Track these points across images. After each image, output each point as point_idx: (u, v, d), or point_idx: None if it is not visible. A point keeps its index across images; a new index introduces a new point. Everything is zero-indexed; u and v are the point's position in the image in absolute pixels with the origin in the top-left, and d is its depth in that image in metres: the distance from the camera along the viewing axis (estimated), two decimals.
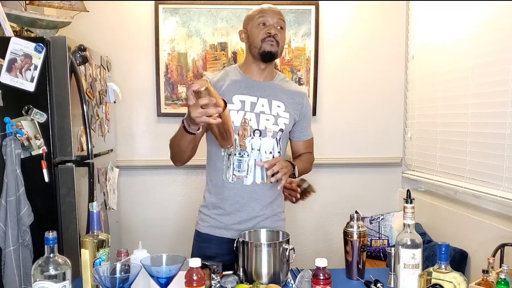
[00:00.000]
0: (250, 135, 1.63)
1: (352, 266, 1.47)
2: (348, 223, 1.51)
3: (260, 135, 1.63)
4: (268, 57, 1.62)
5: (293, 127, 1.74)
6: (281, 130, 1.67)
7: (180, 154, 1.62)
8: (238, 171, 1.64)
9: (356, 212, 1.55)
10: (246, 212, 1.66)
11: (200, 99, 1.30)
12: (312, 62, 3.08)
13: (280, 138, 1.68)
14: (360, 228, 1.48)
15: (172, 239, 3.02)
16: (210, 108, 1.31)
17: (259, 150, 1.64)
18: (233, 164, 1.63)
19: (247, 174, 1.64)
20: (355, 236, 1.47)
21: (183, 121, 1.45)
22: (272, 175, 1.54)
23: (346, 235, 1.49)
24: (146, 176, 3.06)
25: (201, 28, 3.03)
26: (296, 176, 1.70)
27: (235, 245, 1.49)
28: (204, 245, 1.67)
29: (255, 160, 1.63)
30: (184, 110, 2.76)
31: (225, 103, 1.41)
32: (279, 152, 1.68)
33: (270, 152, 1.65)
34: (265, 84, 1.69)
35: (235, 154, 1.63)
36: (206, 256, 1.54)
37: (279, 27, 1.62)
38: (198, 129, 1.44)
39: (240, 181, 1.64)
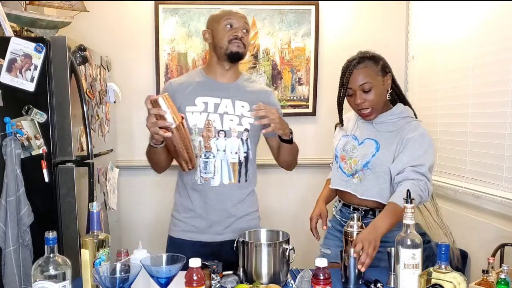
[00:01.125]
0: (215, 136, 1.63)
1: (350, 269, 1.37)
2: (348, 223, 1.50)
3: (225, 136, 1.63)
4: (235, 58, 1.64)
5: (263, 125, 1.69)
6: (246, 130, 1.65)
7: (154, 166, 1.67)
8: (205, 172, 1.64)
9: (357, 210, 1.53)
10: (216, 214, 1.66)
11: (152, 108, 1.36)
12: (312, 62, 3.08)
13: (247, 138, 1.66)
14: (360, 228, 1.46)
15: None
16: (161, 120, 1.36)
17: (224, 150, 1.63)
18: (200, 166, 1.64)
19: (213, 175, 1.63)
20: (355, 236, 1.44)
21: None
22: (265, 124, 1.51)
23: (347, 235, 1.48)
24: (146, 176, 3.06)
25: (201, 28, 3.01)
26: (292, 138, 1.64)
27: (235, 245, 1.49)
28: (177, 250, 1.55)
29: (221, 161, 1.63)
30: None
31: (182, 119, 1.42)
32: (245, 152, 1.66)
33: (236, 153, 1.64)
34: (229, 85, 1.69)
35: (200, 156, 1.64)
36: None
37: (244, 30, 1.65)
38: (162, 142, 1.47)
39: (207, 182, 1.64)
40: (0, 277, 1.92)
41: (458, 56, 2.49)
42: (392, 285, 1.40)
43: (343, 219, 1.72)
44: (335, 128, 1.86)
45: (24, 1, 2.32)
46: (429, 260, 2.25)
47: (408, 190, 1.29)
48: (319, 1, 3.06)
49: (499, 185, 2.13)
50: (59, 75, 2.03)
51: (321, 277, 1.17)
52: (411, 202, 1.26)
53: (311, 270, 1.36)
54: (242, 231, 1.55)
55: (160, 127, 1.38)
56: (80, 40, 2.19)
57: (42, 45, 1.98)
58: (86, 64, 2.19)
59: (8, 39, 1.95)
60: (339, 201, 1.77)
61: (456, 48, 2.51)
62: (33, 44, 1.97)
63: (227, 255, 1.57)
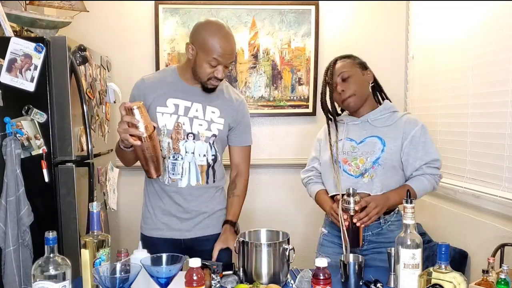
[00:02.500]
0: (184, 138, 1.64)
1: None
2: (344, 199, 1.53)
3: (194, 139, 1.65)
4: (208, 91, 1.64)
5: (229, 132, 1.73)
6: (214, 135, 1.67)
7: (123, 161, 1.69)
8: (173, 174, 1.66)
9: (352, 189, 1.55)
10: (186, 212, 1.68)
11: (125, 116, 1.36)
12: (312, 62, 3.08)
13: (213, 142, 1.68)
14: (358, 204, 1.50)
15: None
16: (132, 128, 1.36)
17: (193, 153, 1.65)
18: (168, 167, 1.65)
19: (181, 177, 1.66)
20: (352, 212, 1.50)
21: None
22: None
23: (344, 211, 1.52)
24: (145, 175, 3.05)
25: None
26: (238, 230, 1.71)
27: (234, 245, 1.49)
28: (150, 247, 1.54)
29: (189, 163, 1.65)
30: None
31: (154, 130, 1.42)
32: (213, 155, 1.68)
33: (204, 155, 1.66)
34: (200, 89, 1.66)
35: (169, 157, 1.65)
36: None
37: (227, 67, 1.61)
38: (131, 147, 1.45)
39: (175, 183, 1.66)
40: (0, 277, 1.92)
41: (458, 56, 2.49)
42: (392, 285, 1.40)
43: None
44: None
45: (24, 1, 2.32)
46: (429, 260, 2.26)
47: (408, 191, 1.31)
48: (319, 1, 3.06)
49: (499, 185, 2.13)
50: (59, 75, 2.02)
51: (321, 277, 1.17)
52: (411, 202, 1.27)
53: (311, 270, 1.36)
54: (212, 227, 1.68)
55: (130, 135, 1.38)
56: (80, 40, 2.18)
57: (42, 45, 1.98)
58: (86, 64, 2.19)
59: (8, 39, 1.95)
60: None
61: (456, 48, 2.51)
62: (33, 44, 1.97)
63: (199, 251, 1.62)
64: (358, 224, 1.48)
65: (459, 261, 2.31)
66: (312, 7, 3.05)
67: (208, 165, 1.68)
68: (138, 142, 1.39)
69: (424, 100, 2.91)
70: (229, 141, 1.77)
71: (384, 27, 3.13)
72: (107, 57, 2.69)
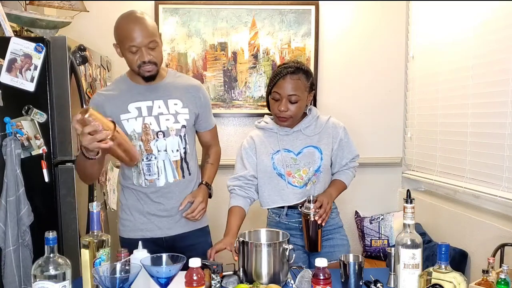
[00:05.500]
0: (154, 138, 1.65)
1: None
2: (304, 205, 1.62)
3: (164, 136, 1.65)
4: (150, 79, 1.63)
5: (196, 120, 1.75)
6: (184, 126, 1.69)
7: (88, 178, 1.65)
8: (149, 175, 1.67)
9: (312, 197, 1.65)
10: (166, 210, 1.70)
11: (84, 128, 1.31)
12: (312, 62, 3.08)
13: (184, 134, 1.69)
14: (318, 208, 1.60)
15: None
16: (97, 134, 1.32)
17: (165, 150, 1.66)
18: (143, 169, 1.66)
19: (158, 176, 1.67)
20: (312, 217, 1.59)
21: (80, 147, 1.43)
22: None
23: (305, 216, 1.61)
24: None
25: (201, 28, 3.03)
26: (212, 194, 1.78)
27: (234, 245, 1.49)
28: (131, 249, 1.53)
29: (163, 161, 1.66)
30: None
31: (114, 124, 1.41)
32: (184, 148, 1.69)
33: (177, 150, 1.68)
34: (156, 86, 1.68)
35: (142, 160, 1.65)
36: None
37: (151, 45, 1.56)
38: (97, 153, 1.43)
39: (153, 184, 1.67)
40: (0, 277, 1.92)
41: (458, 56, 2.49)
42: (392, 285, 1.40)
43: (291, 221, 1.76)
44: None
45: (24, 1, 2.32)
46: (429, 260, 2.26)
47: (408, 190, 1.30)
48: (319, 1, 3.06)
49: (499, 185, 2.13)
50: (59, 75, 2.02)
51: (321, 277, 1.17)
52: (411, 202, 1.27)
53: (311, 270, 1.36)
54: (192, 224, 1.71)
55: (99, 141, 1.35)
56: (80, 40, 2.18)
57: (42, 45, 1.98)
58: (86, 64, 2.19)
59: (8, 39, 1.95)
60: (281, 208, 1.76)
61: (456, 48, 2.51)
62: (33, 44, 1.97)
63: (180, 247, 1.65)
64: (319, 222, 1.58)
65: (459, 261, 2.31)
66: (312, 7, 3.05)
67: (181, 159, 1.70)
68: (110, 143, 1.37)
69: (424, 100, 2.91)
70: (198, 128, 1.79)
71: (384, 27, 3.13)
72: (107, 57, 2.69)
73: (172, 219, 1.71)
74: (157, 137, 1.65)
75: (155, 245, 1.66)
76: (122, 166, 1.73)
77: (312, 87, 1.74)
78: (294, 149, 1.74)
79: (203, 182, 1.76)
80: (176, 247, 1.68)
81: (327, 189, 1.75)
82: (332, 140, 1.77)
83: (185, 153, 1.71)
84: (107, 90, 1.71)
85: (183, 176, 1.70)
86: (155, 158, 1.65)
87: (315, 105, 1.90)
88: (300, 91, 1.66)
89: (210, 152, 1.87)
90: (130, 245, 1.60)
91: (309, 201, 1.62)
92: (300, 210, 1.65)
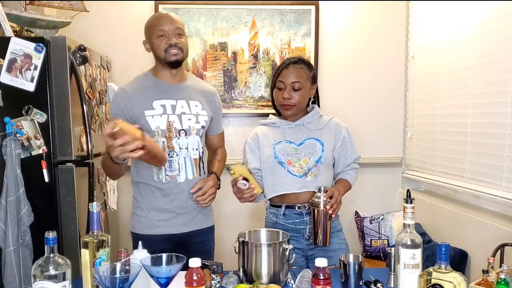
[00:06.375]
0: (176, 136, 1.70)
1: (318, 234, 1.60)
2: (315, 195, 1.63)
3: (185, 135, 1.72)
4: (175, 65, 1.70)
5: (210, 123, 1.84)
6: (203, 127, 1.77)
7: (116, 176, 1.75)
8: (170, 171, 1.71)
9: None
10: (182, 207, 1.74)
11: (115, 141, 1.36)
12: (312, 62, 3.06)
13: (202, 135, 1.78)
14: (329, 198, 1.60)
15: None
16: (128, 145, 1.38)
17: (187, 148, 1.72)
18: (165, 165, 1.69)
19: (179, 172, 1.72)
20: (322, 206, 1.59)
21: (108, 153, 1.49)
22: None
23: (314, 205, 1.61)
24: None
25: (201, 28, 3.03)
26: (220, 185, 1.82)
27: (234, 245, 1.49)
28: (144, 245, 1.61)
29: (184, 158, 1.71)
30: None
31: (142, 132, 1.46)
32: (202, 147, 1.78)
33: (196, 149, 1.75)
34: (180, 86, 1.76)
35: None
36: None
37: (178, 34, 1.68)
38: (125, 159, 1.50)
39: (173, 180, 1.72)
40: (0, 277, 1.93)
41: (458, 56, 2.49)
42: (392, 285, 1.40)
43: (288, 222, 1.75)
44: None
45: (24, 1, 2.33)
46: (429, 260, 2.26)
47: (408, 190, 1.30)
48: (319, 1, 3.06)
49: (499, 185, 2.13)
50: (59, 75, 2.03)
51: (321, 277, 1.17)
52: (411, 202, 1.27)
53: (311, 270, 1.36)
54: (205, 222, 1.79)
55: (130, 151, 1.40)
56: (80, 40, 2.19)
57: (42, 45, 1.98)
58: (86, 64, 2.19)
59: (8, 39, 1.95)
60: (278, 207, 1.77)
61: (456, 48, 2.51)
62: (33, 44, 1.97)
63: (192, 243, 1.75)
64: (330, 212, 1.59)
65: (459, 261, 2.31)
66: (312, 7, 3.05)
67: (199, 158, 1.77)
68: (141, 152, 1.42)
69: (424, 100, 2.91)
70: (209, 131, 1.87)
71: (384, 27, 3.13)
72: (107, 57, 2.69)
73: (187, 216, 1.75)
74: (179, 135, 1.70)
75: (169, 241, 1.72)
76: (136, 164, 1.75)
77: (315, 79, 1.81)
78: (295, 141, 1.78)
79: (213, 172, 1.83)
80: (187, 242, 1.75)
81: (335, 185, 1.78)
82: (334, 136, 1.81)
83: (202, 152, 1.79)
84: (130, 86, 1.74)
85: (200, 175, 1.77)
86: (177, 155, 1.71)
87: (318, 105, 1.90)
88: (303, 79, 1.73)
89: (218, 152, 1.94)
90: (144, 241, 1.64)
91: (319, 191, 1.63)
92: (310, 201, 1.65)
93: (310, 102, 1.85)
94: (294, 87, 1.72)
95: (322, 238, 1.62)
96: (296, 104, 1.73)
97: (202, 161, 1.79)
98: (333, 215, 1.61)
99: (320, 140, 1.78)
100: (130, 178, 1.80)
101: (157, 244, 1.65)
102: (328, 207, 1.59)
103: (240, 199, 1.63)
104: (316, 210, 1.60)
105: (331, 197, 1.61)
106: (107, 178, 2.54)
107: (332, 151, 1.80)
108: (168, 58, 1.67)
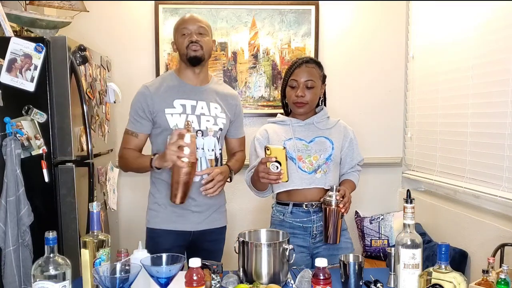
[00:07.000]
0: None
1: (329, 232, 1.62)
2: (327, 193, 1.64)
3: (202, 135, 1.76)
4: (195, 61, 1.73)
5: (230, 126, 1.88)
6: (220, 129, 1.81)
7: (132, 171, 1.83)
8: None
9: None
10: (198, 206, 1.77)
11: (179, 140, 1.51)
12: None
13: (219, 137, 1.81)
14: (341, 197, 1.62)
15: None
16: (180, 152, 1.51)
17: (202, 148, 1.76)
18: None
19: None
20: (334, 205, 1.60)
21: (152, 158, 1.65)
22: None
23: (325, 203, 1.62)
24: (146, 176, 3.05)
25: None
26: (232, 178, 1.84)
27: (234, 245, 1.49)
28: (158, 240, 1.76)
29: (200, 158, 1.75)
30: None
31: (196, 160, 1.57)
32: (220, 149, 1.82)
33: (212, 150, 1.78)
34: (202, 88, 1.80)
35: None
36: (160, 251, 1.53)
37: (200, 33, 1.73)
38: (159, 168, 1.64)
39: None
40: (0, 277, 1.92)
41: (458, 56, 2.49)
42: (392, 285, 1.40)
43: (296, 220, 1.75)
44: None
45: (24, 1, 2.32)
46: (429, 260, 2.26)
47: (408, 190, 1.30)
48: (319, 1, 3.06)
49: (499, 185, 2.13)
50: (59, 75, 2.02)
51: (321, 277, 1.17)
52: (411, 202, 1.27)
53: (311, 270, 1.36)
54: (218, 221, 1.83)
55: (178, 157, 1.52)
56: (80, 40, 2.18)
57: (42, 45, 1.98)
58: (86, 64, 2.19)
59: (8, 39, 1.95)
60: (285, 205, 1.77)
61: (456, 48, 2.51)
62: (33, 44, 1.97)
63: (205, 241, 1.79)
64: (342, 210, 1.61)
65: (459, 261, 2.31)
66: (312, 7, 3.05)
67: (216, 159, 1.80)
68: (184, 164, 1.52)
69: (424, 100, 2.91)
70: (228, 134, 1.91)
71: (384, 27, 3.13)
72: (107, 57, 2.69)
73: (202, 215, 1.79)
74: (196, 135, 1.74)
75: (182, 238, 1.76)
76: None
77: (324, 79, 1.85)
78: (306, 138, 1.80)
79: (228, 165, 1.85)
80: (199, 240, 1.79)
81: (343, 185, 1.80)
82: (343, 137, 1.84)
83: (220, 154, 1.83)
84: (153, 84, 1.79)
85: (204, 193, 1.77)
86: None
87: (325, 105, 1.93)
88: (315, 78, 1.77)
89: (237, 153, 1.96)
90: (159, 235, 1.78)
91: (331, 190, 1.64)
92: (321, 200, 1.67)
93: (320, 102, 1.88)
94: (307, 85, 1.75)
95: (332, 236, 1.63)
96: (309, 102, 1.76)
97: (221, 163, 1.82)
98: (345, 214, 1.64)
99: (330, 139, 1.81)
100: (149, 175, 1.85)
101: (171, 239, 1.74)
102: (341, 205, 1.60)
103: (262, 179, 1.56)
104: (328, 209, 1.62)
105: (342, 197, 1.63)
106: (107, 178, 2.54)
107: (340, 151, 1.83)
108: (189, 53, 1.71)
